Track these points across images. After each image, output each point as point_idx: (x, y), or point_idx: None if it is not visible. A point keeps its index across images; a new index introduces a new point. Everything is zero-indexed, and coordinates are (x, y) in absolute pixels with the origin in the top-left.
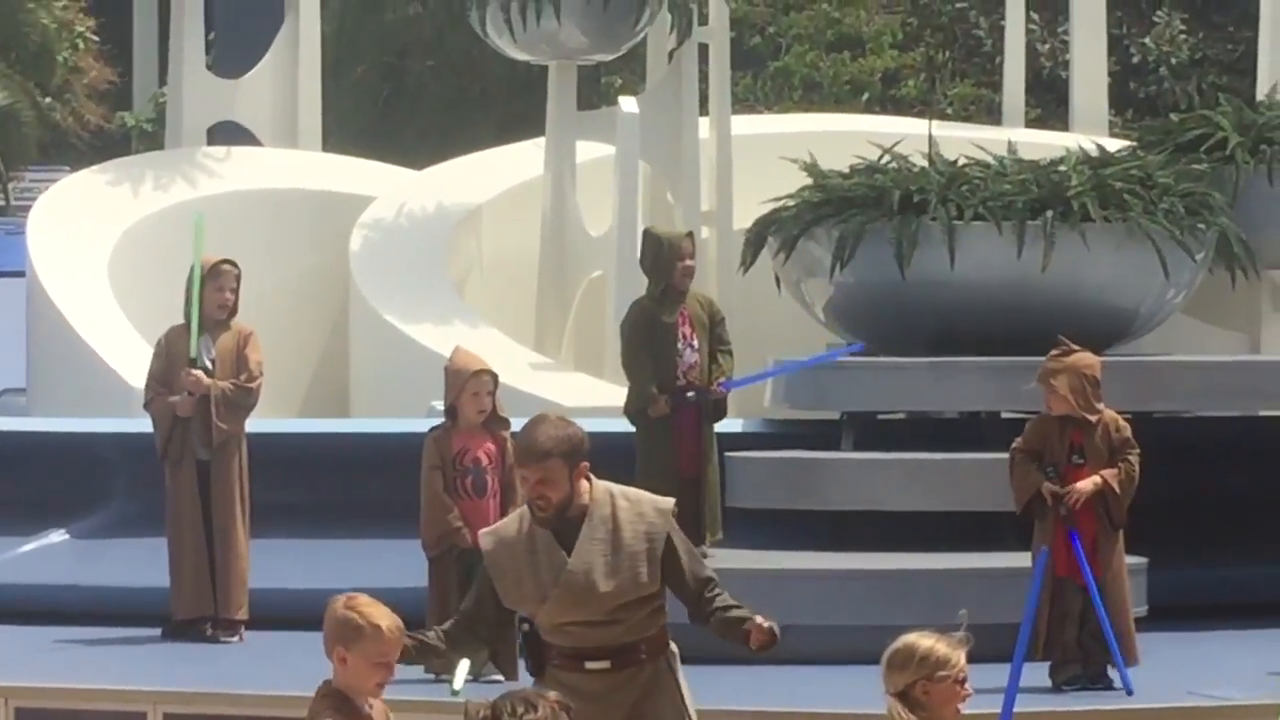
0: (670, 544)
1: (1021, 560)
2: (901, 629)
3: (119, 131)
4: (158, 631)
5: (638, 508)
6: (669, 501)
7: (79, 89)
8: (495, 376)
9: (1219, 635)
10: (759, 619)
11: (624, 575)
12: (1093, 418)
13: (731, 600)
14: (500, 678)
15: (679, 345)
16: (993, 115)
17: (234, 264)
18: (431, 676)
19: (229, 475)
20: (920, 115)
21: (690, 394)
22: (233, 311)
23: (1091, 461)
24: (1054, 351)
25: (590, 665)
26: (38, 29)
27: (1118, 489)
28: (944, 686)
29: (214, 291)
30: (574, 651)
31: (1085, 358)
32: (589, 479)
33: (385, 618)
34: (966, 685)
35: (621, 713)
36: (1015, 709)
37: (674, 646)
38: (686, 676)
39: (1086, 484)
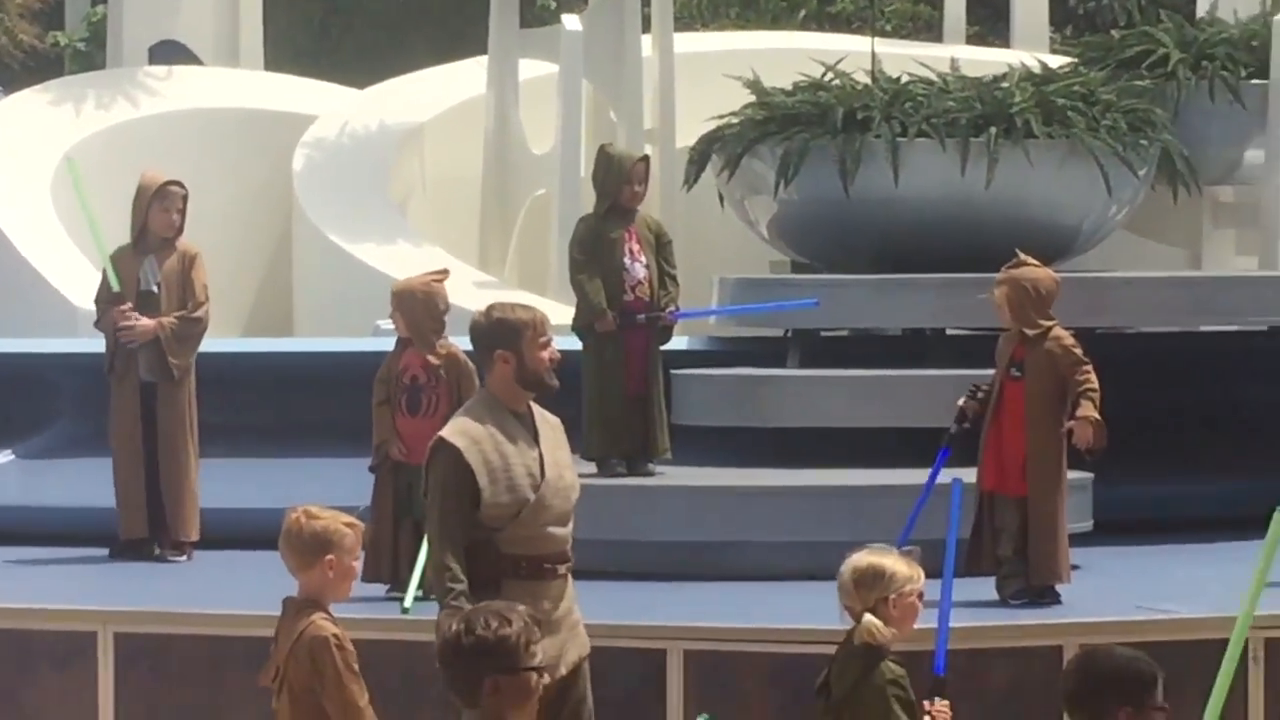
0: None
1: (967, 476)
2: (847, 545)
3: (51, 51)
4: (105, 552)
5: (549, 415)
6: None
7: (11, 8)
8: (394, 295)
9: (1163, 550)
10: None
11: (571, 471)
12: (1031, 331)
13: None
14: None
15: (625, 260)
16: (932, 32)
17: (181, 184)
18: (382, 594)
19: (177, 397)
20: (857, 32)
21: (641, 317)
22: (179, 232)
23: (1030, 376)
24: (1008, 264)
25: (560, 569)
26: None
27: (1100, 417)
28: (908, 602)
29: (160, 212)
30: (542, 558)
31: (1029, 271)
32: None
33: (346, 517)
34: (922, 600)
35: (569, 620)
36: (960, 624)
37: None
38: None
39: (1086, 430)
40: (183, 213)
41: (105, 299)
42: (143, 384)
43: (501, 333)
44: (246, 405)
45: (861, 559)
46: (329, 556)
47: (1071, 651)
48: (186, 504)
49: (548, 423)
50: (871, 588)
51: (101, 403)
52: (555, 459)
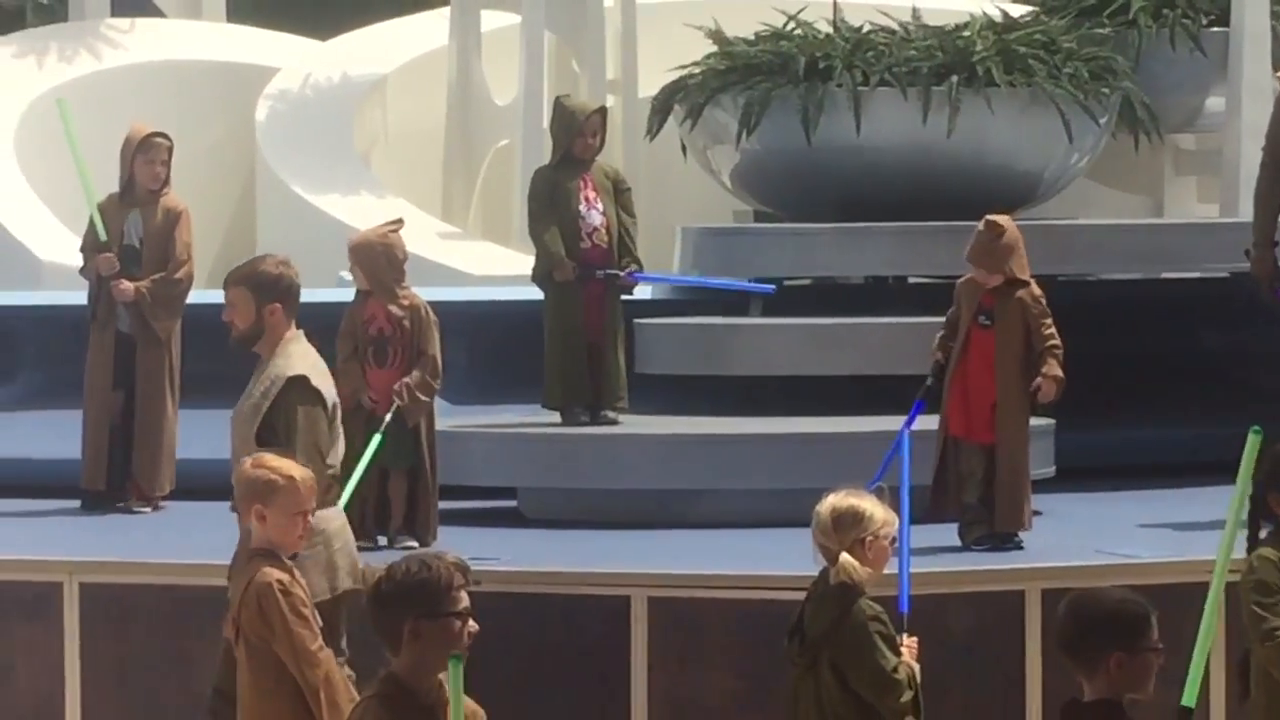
0: (275, 408)
1: (929, 423)
2: (811, 492)
3: (12, 4)
4: (72, 504)
5: (281, 369)
6: (300, 373)
7: None
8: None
9: (1125, 495)
10: None
11: (240, 420)
12: (996, 280)
13: None
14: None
15: (582, 208)
16: None
17: (166, 136)
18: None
19: (157, 352)
20: None
21: (599, 273)
22: (164, 184)
23: (1000, 325)
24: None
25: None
26: None
27: (1063, 374)
28: (882, 545)
29: (145, 165)
30: None
31: (996, 222)
32: (295, 333)
33: (296, 469)
34: (893, 544)
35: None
36: (925, 569)
37: None
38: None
39: (1052, 387)
40: (167, 164)
41: (90, 246)
42: (121, 335)
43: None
44: (211, 356)
45: (841, 500)
46: (257, 506)
47: (1034, 596)
48: (160, 459)
49: (260, 371)
50: (849, 529)
51: (65, 354)
52: (242, 401)
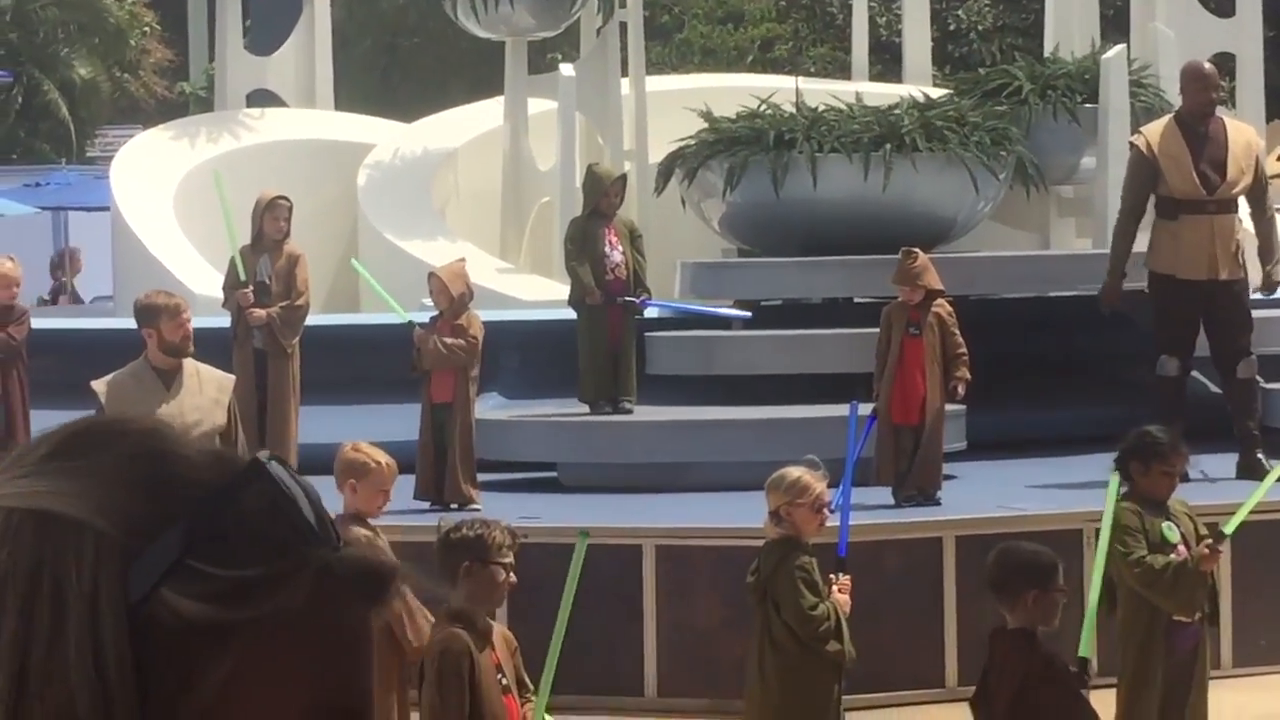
0: (232, 406)
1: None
2: (780, 463)
3: (178, 98)
4: None
5: (215, 374)
6: (232, 378)
7: (147, 66)
8: (438, 278)
9: (1020, 463)
10: None
11: (205, 413)
12: (919, 295)
13: None
14: None
15: (606, 249)
16: (844, 72)
17: (287, 199)
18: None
19: (283, 364)
20: (789, 73)
21: (620, 299)
22: (286, 235)
23: (926, 335)
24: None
25: None
26: (113, 18)
27: (969, 375)
28: (804, 509)
29: (271, 221)
30: None
31: (911, 250)
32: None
33: (383, 455)
34: (824, 509)
35: None
36: (865, 521)
37: None
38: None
39: (963, 386)
40: (289, 220)
41: (231, 285)
42: (256, 350)
43: (144, 314)
44: (327, 364)
45: (778, 472)
46: (351, 480)
47: (950, 542)
48: (287, 444)
49: (200, 378)
50: (774, 493)
51: (217, 366)
52: (183, 406)
